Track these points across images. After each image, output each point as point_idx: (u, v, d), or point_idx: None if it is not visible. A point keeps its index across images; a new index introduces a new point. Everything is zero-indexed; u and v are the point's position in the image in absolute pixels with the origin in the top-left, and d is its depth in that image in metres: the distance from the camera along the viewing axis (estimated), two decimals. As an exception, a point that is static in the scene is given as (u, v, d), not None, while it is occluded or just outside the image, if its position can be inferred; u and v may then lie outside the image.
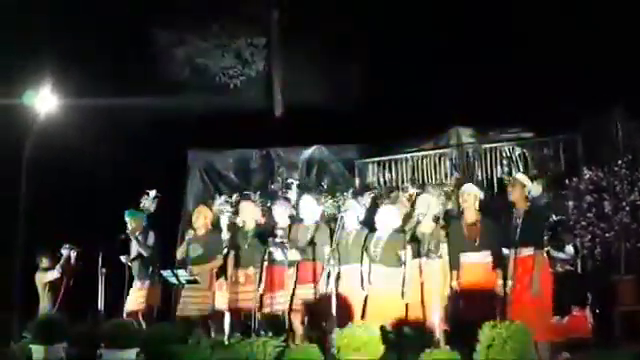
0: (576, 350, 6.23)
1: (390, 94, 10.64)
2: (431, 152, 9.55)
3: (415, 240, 6.32)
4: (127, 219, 7.51)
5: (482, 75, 9.77)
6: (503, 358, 4.78)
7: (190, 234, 7.11)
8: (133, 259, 7.45)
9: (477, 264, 6.07)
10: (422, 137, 9.72)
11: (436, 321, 5.70)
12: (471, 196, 6.28)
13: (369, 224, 6.70)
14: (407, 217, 6.73)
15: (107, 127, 10.19)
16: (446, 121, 9.59)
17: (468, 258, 6.08)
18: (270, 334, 5.64)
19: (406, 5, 10.79)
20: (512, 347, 4.81)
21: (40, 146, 9.50)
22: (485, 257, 6.09)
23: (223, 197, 7.79)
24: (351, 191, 8.50)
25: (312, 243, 6.61)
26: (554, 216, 7.44)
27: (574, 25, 9.45)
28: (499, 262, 6.03)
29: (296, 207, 7.41)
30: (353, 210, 6.71)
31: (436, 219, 6.38)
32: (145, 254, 7.36)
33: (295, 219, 7.06)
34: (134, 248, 7.47)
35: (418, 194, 6.92)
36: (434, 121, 9.61)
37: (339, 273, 6.36)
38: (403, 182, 9.28)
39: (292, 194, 8.58)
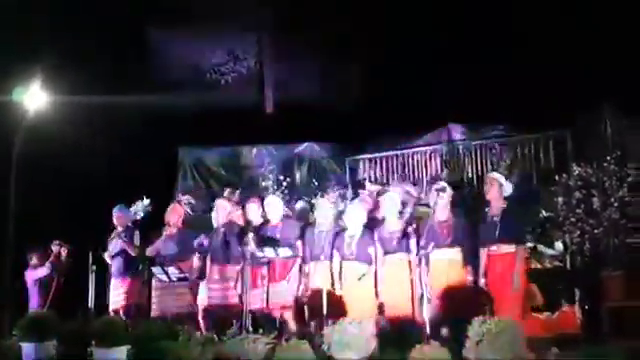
0: (565, 346, 6.27)
1: (381, 91, 10.65)
2: (422, 149, 9.60)
3: (384, 237, 6.35)
4: (115, 213, 7.53)
5: (473, 73, 9.78)
6: (493, 354, 4.79)
7: (165, 231, 7.15)
8: (114, 256, 7.46)
9: (447, 260, 6.11)
10: (413, 134, 9.76)
11: (421, 317, 5.71)
12: (447, 194, 6.32)
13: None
14: (371, 214, 6.78)
15: (97, 124, 10.15)
16: (437, 118, 9.63)
17: (438, 254, 6.10)
18: (261, 331, 5.64)
19: (398, 4, 10.79)
20: (502, 343, 4.82)
21: (30, 143, 9.47)
22: (455, 254, 6.14)
23: (186, 197, 7.84)
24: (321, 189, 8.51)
25: (276, 240, 6.66)
26: (543, 212, 7.49)
27: (565, 23, 9.47)
28: (470, 259, 6.09)
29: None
30: (323, 208, 6.74)
31: (402, 216, 6.41)
32: (132, 253, 7.37)
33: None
34: (116, 245, 7.47)
35: (380, 192, 6.96)
36: (425, 118, 9.64)
37: (313, 270, 6.43)
38: (394, 179, 9.32)
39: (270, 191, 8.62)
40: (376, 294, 6.23)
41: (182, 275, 6.82)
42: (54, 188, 9.86)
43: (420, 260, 5.83)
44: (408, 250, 6.14)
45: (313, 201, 7.46)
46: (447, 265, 6.10)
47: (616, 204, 7.37)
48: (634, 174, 7.43)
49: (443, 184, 6.43)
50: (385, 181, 9.03)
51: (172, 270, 6.82)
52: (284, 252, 6.62)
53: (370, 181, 8.69)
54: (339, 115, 10.44)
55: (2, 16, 9.70)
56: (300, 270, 6.65)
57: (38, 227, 9.30)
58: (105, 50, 10.99)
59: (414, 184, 8.29)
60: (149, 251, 7.19)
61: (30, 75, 9.34)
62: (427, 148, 9.56)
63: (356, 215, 6.52)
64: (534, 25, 9.71)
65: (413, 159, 9.60)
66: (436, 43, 10.38)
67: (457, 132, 9.45)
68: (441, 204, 6.26)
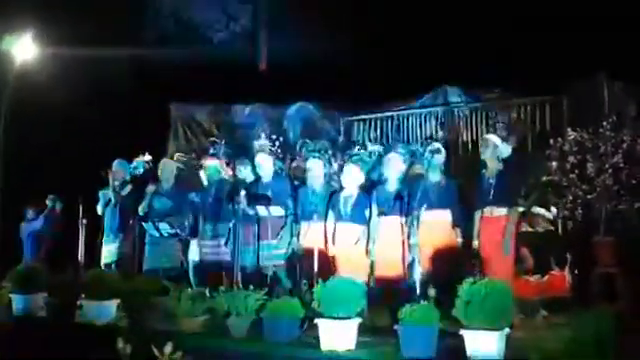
0: (554, 309, 6.33)
1: (378, 51, 10.52)
2: (417, 111, 9.53)
3: (381, 198, 6.33)
4: (113, 167, 7.50)
5: (471, 35, 9.66)
6: (482, 315, 4.79)
7: (152, 188, 7.11)
8: (107, 210, 7.43)
9: (437, 221, 6.10)
10: (409, 96, 9.67)
11: (414, 277, 5.72)
12: (441, 156, 6.28)
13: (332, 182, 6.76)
14: (370, 174, 6.76)
15: (89, 78, 10.02)
16: (434, 80, 9.52)
17: (428, 216, 6.08)
18: (251, 288, 5.64)
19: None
20: (491, 304, 4.82)
21: (20, 96, 9.38)
22: (445, 215, 6.13)
23: (178, 154, 7.82)
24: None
25: (268, 199, 6.64)
26: (545, 177, 7.47)
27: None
28: (460, 221, 6.09)
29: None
30: (317, 168, 6.70)
31: (403, 178, 6.38)
32: (113, 200, 7.34)
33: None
34: (107, 197, 7.44)
35: (382, 153, 6.92)
36: (421, 80, 9.54)
37: (306, 230, 6.42)
38: (388, 140, 9.26)
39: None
40: (366, 252, 6.23)
41: (173, 231, 6.82)
42: (46, 142, 9.78)
43: (411, 221, 5.82)
44: (403, 212, 6.12)
45: (307, 161, 7.38)
46: (437, 226, 6.09)
47: (610, 170, 7.34)
48: (629, 140, 7.39)
49: (437, 145, 6.38)
50: (381, 142, 8.94)
51: (163, 226, 6.82)
52: (276, 211, 6.61)
53: (370, 141, 8.61)
54: (334, 75, 10.31)
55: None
56: (292, 229, 6.66)
57: (33, 181, 9.26)
58: (99, 3, 10.78)
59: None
60: (142, 207, 7.13)
61: (21, 26, 9.19)
62: (422, 110, 9.48)
63: (354, 176, 6.48)
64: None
65: (408, 121, 9.53)
66: (436, 4, 10.22)
67: (453, 95, 9.36)
68: (434, 165, 6.22)
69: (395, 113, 9.62)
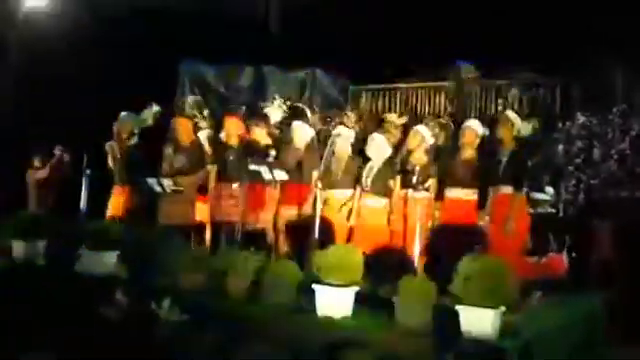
0: (549, 291, 6.36)
1: (393, 21, 10.39)
2: (427, 85, 9.46)
3: (405, 171, 6.32)
4: (121, 119, 7.44)
5: (487, 11, 9.54)
6: (479, 292, 4.82)
7: (172, 146, 7.08)
8: (114, 162, 7.42)
9: (461, 200, 6.09)
10: (420, 69, 9.58)
11: (416, 251, 5.76)
12: (472, 133, 6.24)
13: (360, 152, 6.74)
14: (396, 146, 6.74)
15: (100, 30, 9.93)
16: (446, 55, 9.43)
17: (454, 193, 6.08)
18: (252, 249, 5.67)
19: None
20: (489, 282, 4.84)
21: (31, 47, 9.30)
22: (471, 195, 6.11)
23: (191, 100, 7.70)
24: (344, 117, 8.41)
25: (299, 165, 6.62)
26: (541, 158, 7.45)
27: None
28: (484, 201, 6.08)
29: (280, 126, 7.48)
30: (345, 136, 6.68)
31: (428, 152, 6.37)
32: (119, 153, 7.31)
33: (282, 140, 7.08)
34: (115, 149, 7.42)
35: (406, 124, 6.88)
36: (434, 53, 9.44)
37: (327, 198, 6.41)
38: (395, 112, 9.22)
39: (275, 113, 8.51)
40: (388, 222, 6.25)
41: (176, 188, 6.82)
42: (54, 92, 9.71)
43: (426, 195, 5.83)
44: (424, 185, 6.12)
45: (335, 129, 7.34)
46: (459, 204, 6.10)
47: (616, 157, 7.32)
48: (637, 128, 7.35)
49: (469, 123, 6.35)
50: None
51: (167, 182, 6.81)
52: (280, 175, 6.59)
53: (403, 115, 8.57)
54: (347, 42, 10.21)
55: None
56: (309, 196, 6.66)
57: (41, 131, 9.24)
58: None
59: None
60: (164, 166, 7.08)
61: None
62: (432, 84, 9.41)
63: (381, 147, 6.46)
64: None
65: (417, 94, 9.47)
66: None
67: (465, 70, 9.29)
68: (465, 143, 6.19)
69: (405, 85, 9.56)
